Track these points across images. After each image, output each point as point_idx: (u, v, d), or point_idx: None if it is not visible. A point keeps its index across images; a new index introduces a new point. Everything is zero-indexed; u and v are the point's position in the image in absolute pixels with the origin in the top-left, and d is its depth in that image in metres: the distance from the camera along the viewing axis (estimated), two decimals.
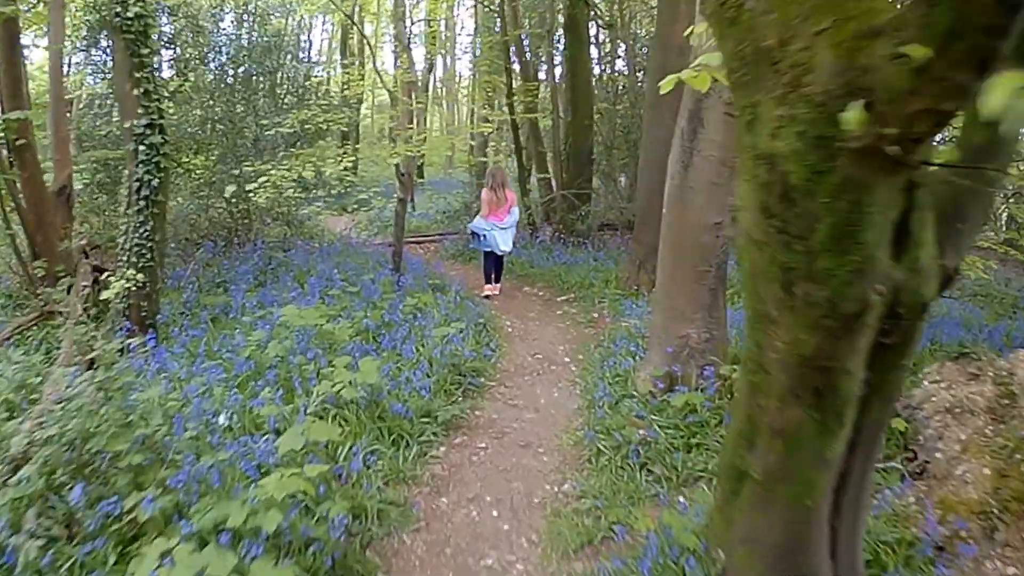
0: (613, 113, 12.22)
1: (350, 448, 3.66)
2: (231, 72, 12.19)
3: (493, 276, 8.30)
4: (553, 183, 12.27)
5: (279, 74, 14.28)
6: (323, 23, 27.30)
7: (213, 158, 10.68)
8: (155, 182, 5.58)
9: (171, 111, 11.64)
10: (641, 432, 4.11)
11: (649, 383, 4.70)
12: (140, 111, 5.63)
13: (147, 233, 5.63)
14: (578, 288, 8.37)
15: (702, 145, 4.21)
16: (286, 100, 13.12)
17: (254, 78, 12.29)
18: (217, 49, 12.27)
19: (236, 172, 9.50)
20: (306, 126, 10.07)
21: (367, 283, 7.21)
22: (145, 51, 5.68)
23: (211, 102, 10.93)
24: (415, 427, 4.15)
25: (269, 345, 4.59)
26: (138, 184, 5.58)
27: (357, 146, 16.14)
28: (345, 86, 19.97)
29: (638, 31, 13.49)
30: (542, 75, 14.26)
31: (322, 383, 3.99)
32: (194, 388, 4.12)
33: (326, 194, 14.96)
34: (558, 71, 12.93)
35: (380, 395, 4.12)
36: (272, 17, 16.54)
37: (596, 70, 13.20)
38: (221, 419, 3.66)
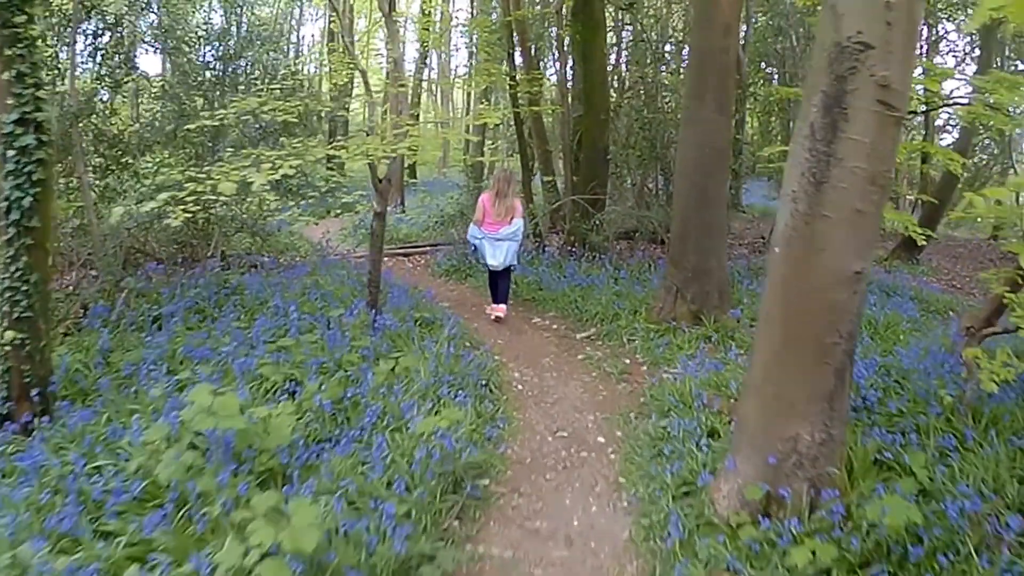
0: (634, 107, 10.64)
1: None
2: (210, 63, 10.72)
3: (495, 295, 7.04)
4: (560, 186, 10.70)
5: (256, 66, 12.85)
6: (316, 16, 25.69)
7: (170, 160, 9.18)
8: (27, 200, 3.99)
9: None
10: None
11: (737, 505, 3.16)
12: (10, 101, 4.04)
13: (20, 273, 4.04)
14: (600, 320, 6.82)
15: (845, 150, 2.65)
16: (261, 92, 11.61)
17: (232, 71, 10.77)
18: (194, 39, 10.81)
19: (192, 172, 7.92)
20: (272, 113, 8.52)
21: (335, 323, 5.66)
22: (20, 19, 4.09)
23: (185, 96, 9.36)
24: None
25: (166, 455, 3.02)
26: (6, 204, 4.00)
27: (340, 138, 14.56)
28: (332, 78, 18.44)
29: (659, 12, 11.91)
30: (550, 70, 12.72)
31: (229, 546, 2.43)
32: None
33: (304, 198, 13.43)
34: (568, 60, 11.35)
35: (327, 555, 2.56)
36: (257, 7, 15.02)
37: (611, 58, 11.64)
38: None
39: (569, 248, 9.57)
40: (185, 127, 8.74)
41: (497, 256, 6.71)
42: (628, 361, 5.79)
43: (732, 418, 4.32)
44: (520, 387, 5.25)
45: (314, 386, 4.18)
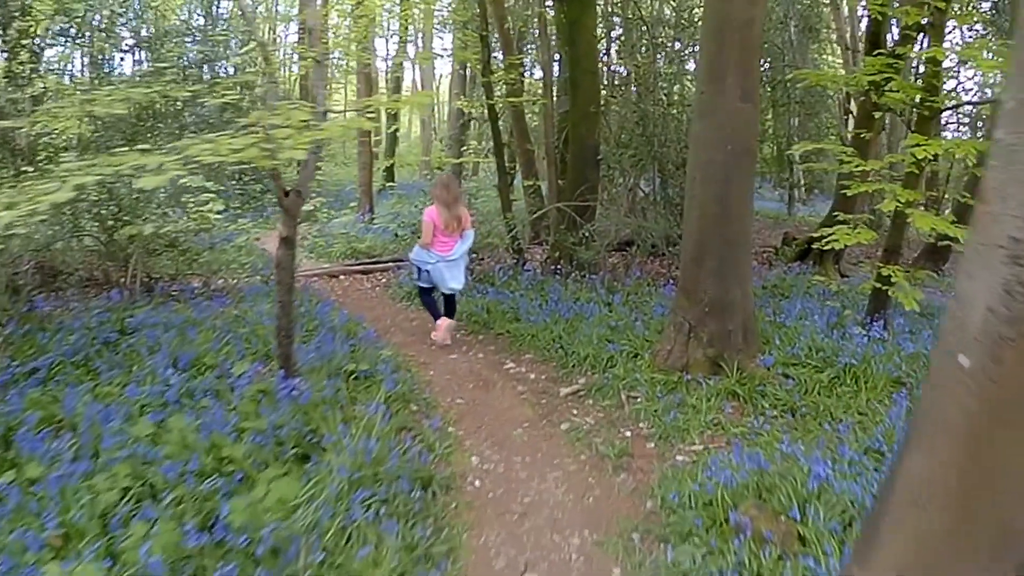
0: (628, 98, 9.16)
1: None
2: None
3: (448, 312, 6.21)
4: (545, 191, 9.22)
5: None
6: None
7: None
8: None
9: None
10: None
11: None
12: None
13: None
14: (591, 367, 5.34)
15: None
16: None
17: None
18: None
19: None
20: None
21: (234, 386, 4.17)
22: None
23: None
24: None
25: None
26: None
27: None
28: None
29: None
30: (535, 56, 11.20)
31: None
32: None
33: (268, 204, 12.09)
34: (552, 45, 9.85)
35: None
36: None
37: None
38: None
39: (553, 265, 8.09)
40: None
41: (458, 278, 5.98)
42: (628, 433, 4.30)
43: (785, 552, 2.86)
44: (478, 483, 3.74)
45: (142, 527, 2.66)
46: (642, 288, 7.42)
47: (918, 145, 5.09)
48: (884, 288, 5.76)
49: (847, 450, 3.69)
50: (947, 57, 6.24)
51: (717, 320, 4.97)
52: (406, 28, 8.83)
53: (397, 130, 19.49)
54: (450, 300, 6.19)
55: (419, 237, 7.70)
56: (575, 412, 4.65)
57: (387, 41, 21.76)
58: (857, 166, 5.43)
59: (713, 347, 4.96)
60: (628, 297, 7.14)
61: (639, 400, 4.69)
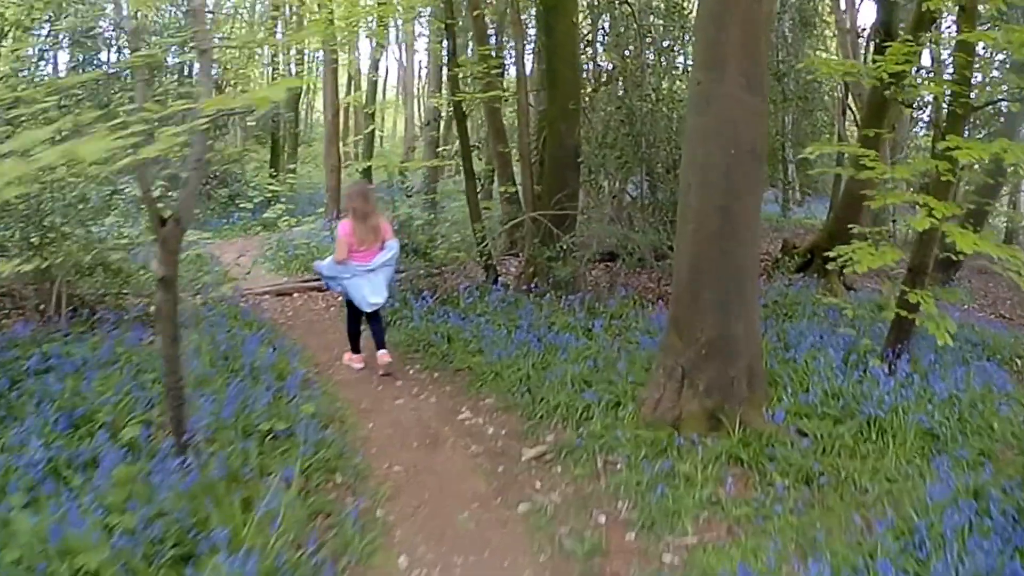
0: (612, 93, 8.24)
1: None
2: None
3: (375, 340, 5.40)
4: (522, 198, 8.28)
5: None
6: None
7: None
8: None
9: None
10: None
11: None
12: None
13: None
14: (562, 418, 4.41)
15: None
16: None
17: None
18: None
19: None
20: None
21: (106, 471, 3.23)
22: None
23: None
24: None
25: None
26: None
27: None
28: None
29: None
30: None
31: None
32: None
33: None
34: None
35: None
36: None
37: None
38: None
39: (528, 283, 7.16)
40: None
41: (379, 291, 5.26)
42: (603, 519, 3.37)
43: None
44: None
45: None
46: (627, 310, 6.51)
47: (956, 148, 4.20)
48: (910, 316, 4.88)
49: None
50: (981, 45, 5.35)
51: (717, 364, 4.06)
52: (355, 23, 7.94)
53: (374, 130, 18.45)
54: (377, 327, 5.39)
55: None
56: (538, 485, 3.72)
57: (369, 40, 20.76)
58: (883, 173, 4.54)
59: (711, 397, 4.05)
60: (611, 321, 6.23)
61: (619, 468, 3.77)
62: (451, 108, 11.88)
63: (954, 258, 8.75)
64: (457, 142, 16.05)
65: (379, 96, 28.05)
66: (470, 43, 9.91)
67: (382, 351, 5.33)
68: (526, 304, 6.60)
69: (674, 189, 8.47)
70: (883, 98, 7.86)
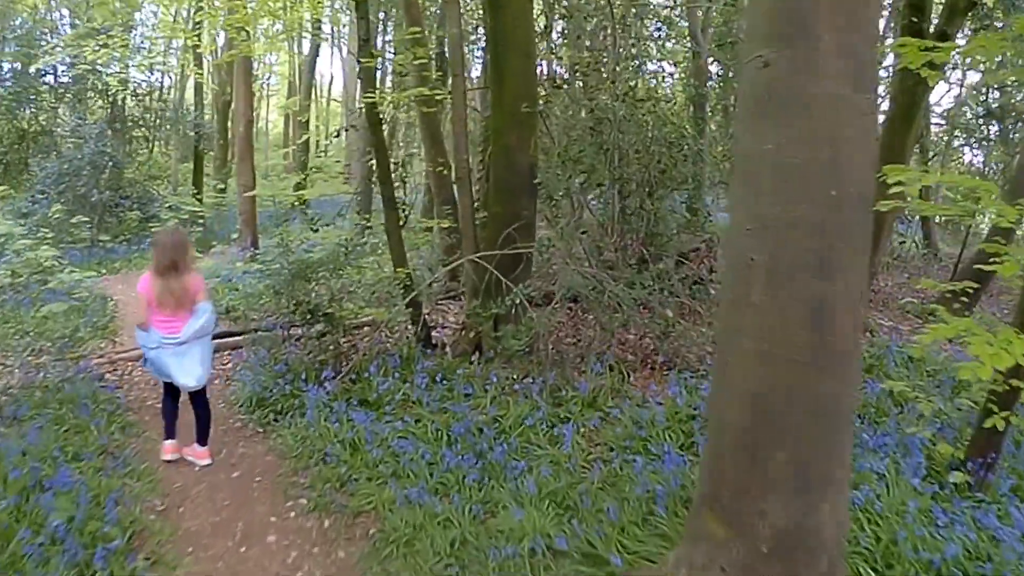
0: (576, 91, 6.43)
1: None
2: None
3: (196, 431, 4.28)
4: (462, 233, 6.38)
5: None
6: None
7: None
8: None
9: None
10: None
11: None
12: None
13: None
14: None
15: None
16: None
17: None
18: None
19: None
20: None
21: None
22: None
23: None
24: None
25: None
26: None
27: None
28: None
29: None
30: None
31: None
32: None
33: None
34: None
35: None
36: None
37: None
38: None
39: (470, 347, 5.29)
40: None
41: (191, 370, 4.08)
42: None
43: None
44: None
45: None
46: (606, 394, 4.67)
47: None
48: (1003, 416, 3.22)
49: None
50: None
51: (785, 568, 2.23)
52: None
53: (308, 140, 16.34)
54: (202, 412, 4.27)
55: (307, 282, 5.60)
56: None
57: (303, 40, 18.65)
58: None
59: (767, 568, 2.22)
60: (583, 413, 4.38)
61: None
62: (387, 113, 9.93)
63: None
64: (402, 152, 14.12)
65: (322, 102, 25.97)
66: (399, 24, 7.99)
67: (201, 447, 4.25)
68: (465, 385, 4.71)
69: (657, 214, 6.72)
70: (913, 96, 6.31)
